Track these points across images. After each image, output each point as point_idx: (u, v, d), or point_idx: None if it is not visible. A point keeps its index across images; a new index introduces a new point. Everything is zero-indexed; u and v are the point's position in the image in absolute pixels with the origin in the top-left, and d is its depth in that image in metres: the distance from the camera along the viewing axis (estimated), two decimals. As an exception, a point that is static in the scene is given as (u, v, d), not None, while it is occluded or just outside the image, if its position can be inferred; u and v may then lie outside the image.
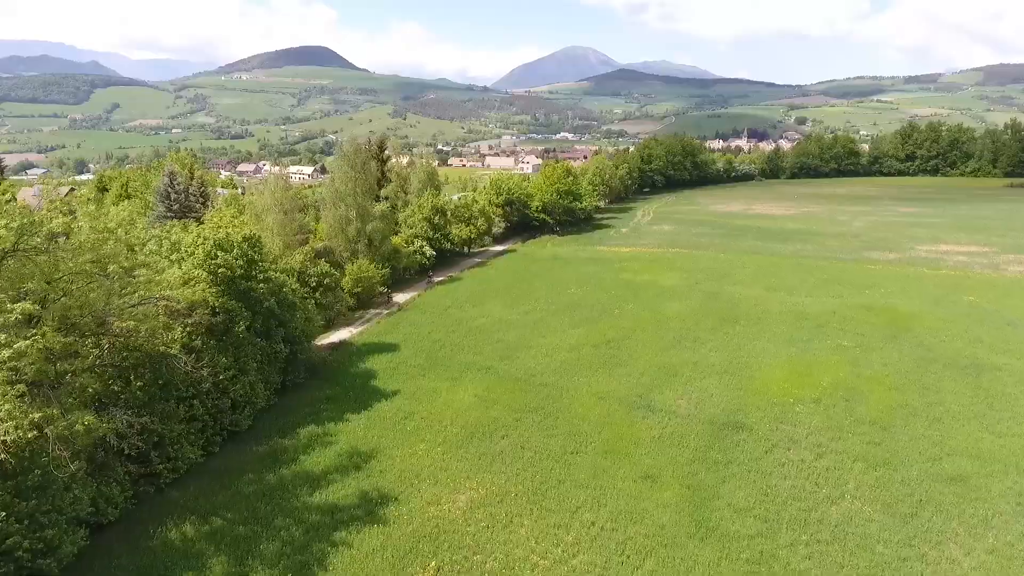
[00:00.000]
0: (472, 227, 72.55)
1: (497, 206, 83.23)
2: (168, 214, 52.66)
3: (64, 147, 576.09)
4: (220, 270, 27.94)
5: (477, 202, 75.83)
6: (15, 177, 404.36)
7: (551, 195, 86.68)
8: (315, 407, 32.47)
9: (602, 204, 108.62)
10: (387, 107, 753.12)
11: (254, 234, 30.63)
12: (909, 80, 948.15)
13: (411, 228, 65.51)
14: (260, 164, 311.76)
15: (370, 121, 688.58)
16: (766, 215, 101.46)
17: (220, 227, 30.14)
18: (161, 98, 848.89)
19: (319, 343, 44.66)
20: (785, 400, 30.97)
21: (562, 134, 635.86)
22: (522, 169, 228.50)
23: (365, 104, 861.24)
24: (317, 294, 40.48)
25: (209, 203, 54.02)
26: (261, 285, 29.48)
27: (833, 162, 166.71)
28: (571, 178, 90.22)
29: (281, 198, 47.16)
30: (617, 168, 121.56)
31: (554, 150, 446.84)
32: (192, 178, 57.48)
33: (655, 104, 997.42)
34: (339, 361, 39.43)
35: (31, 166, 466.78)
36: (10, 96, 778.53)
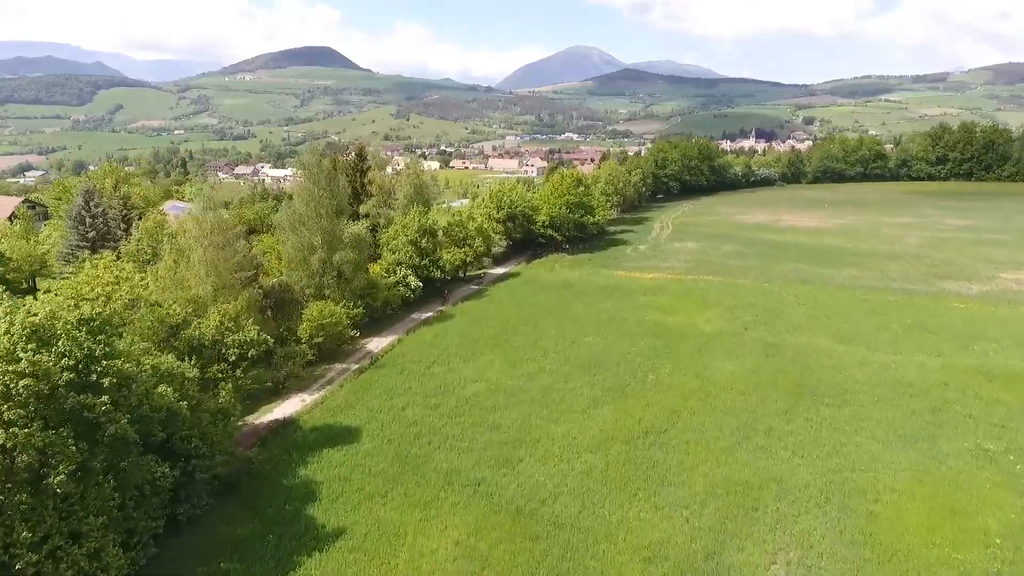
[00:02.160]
0: (468, 249, 61.20)
1: (497, 221, 71.75)
2: (82, 243, 41.45)
3: (65, 148, 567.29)
4: (23, 382, 16.56)
5: (474, 219, 64.32)
6: (11, 179, 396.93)
7: (559, 208, 75.12)
8: (211, 567, 21.15)
9: (614, 214, 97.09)
10: (390, 107, 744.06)
11: (99, 314, 19.16)
12: (917, 80, 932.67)
13: (394, 253, 54.05)
14: (259, 166, 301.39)
15: (373, 122, 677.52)
16: (800, 228, 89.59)
17: (56, 297, 18.64)
18: (164, 99, 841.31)
19: (256, 421, 33.48)
20: (945, 574, 19.44)
21: (567, 134, 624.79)
22: (526, 172, 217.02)
23: (368, 105, 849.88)
24: (239, 371, 28.97)
25: (132, 228, 42.71)
26: (105, 398, 18.04)
27: (859, 165, 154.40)
28: (582, 188, 78.64)
29: (214, 226, 35.80)
30: (630, 174, 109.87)
31: (559, 151, 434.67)
32: (117, 194, 46.17)
33: (660, 104, 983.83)
34: (272, 462, 28.00)
35: (30, 168, 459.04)
36: (13, 97, 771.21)
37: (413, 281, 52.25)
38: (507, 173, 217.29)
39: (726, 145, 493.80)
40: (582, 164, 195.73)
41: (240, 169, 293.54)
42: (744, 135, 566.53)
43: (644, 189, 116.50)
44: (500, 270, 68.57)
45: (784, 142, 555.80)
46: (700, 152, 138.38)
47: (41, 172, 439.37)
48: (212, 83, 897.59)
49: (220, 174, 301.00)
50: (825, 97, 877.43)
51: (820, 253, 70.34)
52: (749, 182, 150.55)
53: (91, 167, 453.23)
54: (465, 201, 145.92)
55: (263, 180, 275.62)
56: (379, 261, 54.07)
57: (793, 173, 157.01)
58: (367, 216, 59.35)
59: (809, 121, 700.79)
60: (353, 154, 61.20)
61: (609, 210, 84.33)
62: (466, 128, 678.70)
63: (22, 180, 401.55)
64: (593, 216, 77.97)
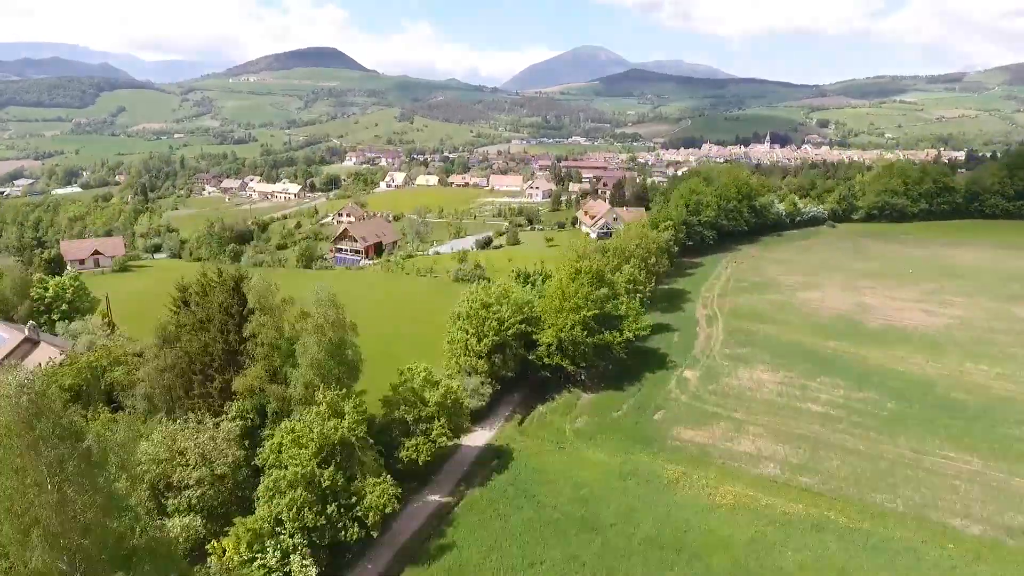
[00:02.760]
0: (422, 440, 35.82)
1: (478, 356, 46.22)
2: None
3: (63, 153, 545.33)
4: None
5: (434, 384, 38.30)
6: (0, 188, 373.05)
7: (572, 324, 49.35)
8: None
9: (647, 320, 71.13)
10: (394, 110, 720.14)
11: None
12: (932, 80, 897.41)
13: (275, 497, 28.59)
14: (247, 179, 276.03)
15: (376, 125, 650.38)
16: (907, 329, 63.14)
17: None
18: (167, 101, 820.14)
19: None
20: None
21: (574, 138, 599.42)
22: (531, 196, 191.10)
23: (372, 107, 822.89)
24: None
25: None
26: None
27: (923, 200, 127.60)
28: (604, 289, 52.76)
29: None
30: (660, 231, 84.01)
31: (565, 157, 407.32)
32: None
33: (668, 104, 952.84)
34: None
35: (21, 175, 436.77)
36: (16, 100, 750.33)
37: (308, 572, 26.63)
38: (510, 197, 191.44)
39: (740, 150, 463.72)
40: (595, 193, 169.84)
41: (228, 183, 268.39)
42: (758, 139, 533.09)
43: (675, 247, 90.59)
44: (478, 440, 42.99)
45: (799, 147, 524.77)
46: (739, 191, 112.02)
47: (30, 181, 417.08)
48: (216, 85, 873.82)
49: (207, 187, 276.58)
50: (838, 98, 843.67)
51: (998, 418, 43.98)
52: (794, 223, 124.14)
53: (86, 173, 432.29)
54: (457, 245, 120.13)
55: (250, 196, 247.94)
56: (248, 518, 28.53)
57: (844, 210, 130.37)
58: (248, 395, 33.94)
59: (823, 124, 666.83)
60: (228, 285, 35.25)
61: (642, 318, 58.06)
62: (471, 131, 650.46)
63: (9, 190, 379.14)
64: (621, 333, 52.03)
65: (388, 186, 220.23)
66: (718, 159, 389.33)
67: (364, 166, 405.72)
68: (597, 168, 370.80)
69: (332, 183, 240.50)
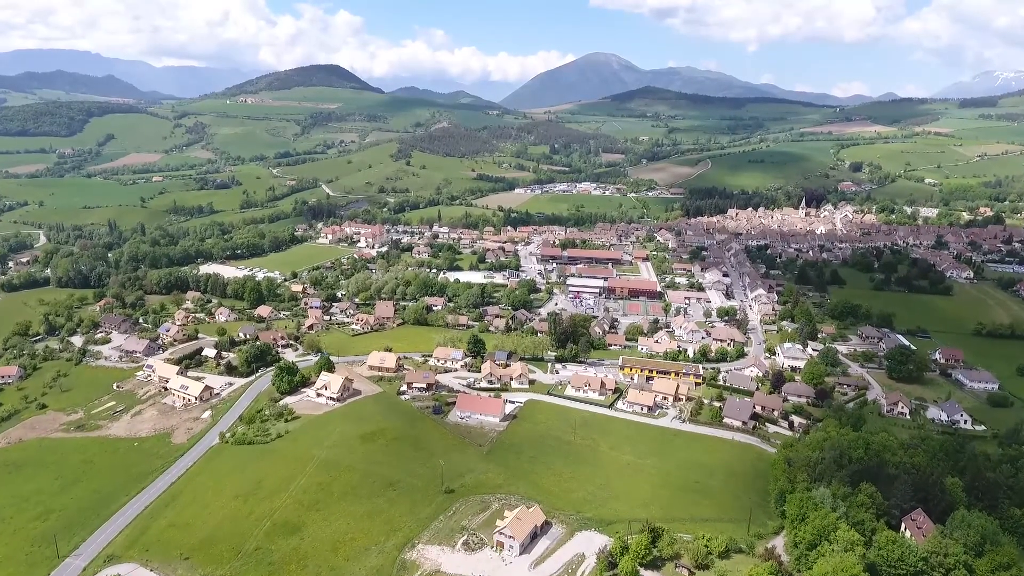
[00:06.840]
0: None
1: None
2: None
3: (26, 204, 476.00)
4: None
5: None
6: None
7: None
8: None
9: None
10: (391, 145, 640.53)
11: None
12: (965, 104, 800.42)
13: None
14: (162, 337, 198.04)
15: (369, 167, 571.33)
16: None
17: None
18: (159, 127, 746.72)
19: None
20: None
21: (583, 185, 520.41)
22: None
23: (372, 132, 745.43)
24: None
25: None
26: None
27: None
28: None
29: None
30: None
31: (582, 243, 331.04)
32: None
33: (680, 122, 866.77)
34: None
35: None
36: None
37: None
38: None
39: (773, 223, 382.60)
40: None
41: (132, 342, 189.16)
42: (788, 197, 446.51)
43: None
44: None
45: (836, 206, 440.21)
46: None
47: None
48: (212, 107, 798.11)
49: (113, 335, 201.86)
50: (864, 124, 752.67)
51: None
52: None
53: (42, 235, 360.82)
54: None
55: (150, 376, 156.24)
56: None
57: None
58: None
59: (856, 167, 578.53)
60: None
61: None
62: (472, 171, 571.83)
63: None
64: None
65: (319, 395, 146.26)
66: (752, 242, 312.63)
67: (340, 245, 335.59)
68: (606, 260, 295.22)
69: (259, 357, 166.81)
